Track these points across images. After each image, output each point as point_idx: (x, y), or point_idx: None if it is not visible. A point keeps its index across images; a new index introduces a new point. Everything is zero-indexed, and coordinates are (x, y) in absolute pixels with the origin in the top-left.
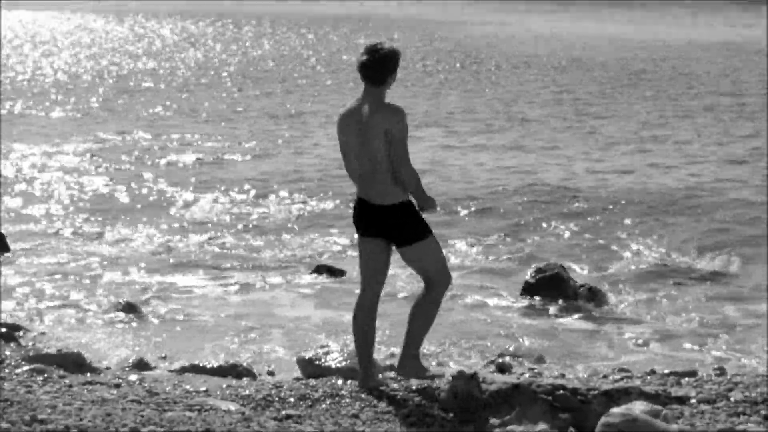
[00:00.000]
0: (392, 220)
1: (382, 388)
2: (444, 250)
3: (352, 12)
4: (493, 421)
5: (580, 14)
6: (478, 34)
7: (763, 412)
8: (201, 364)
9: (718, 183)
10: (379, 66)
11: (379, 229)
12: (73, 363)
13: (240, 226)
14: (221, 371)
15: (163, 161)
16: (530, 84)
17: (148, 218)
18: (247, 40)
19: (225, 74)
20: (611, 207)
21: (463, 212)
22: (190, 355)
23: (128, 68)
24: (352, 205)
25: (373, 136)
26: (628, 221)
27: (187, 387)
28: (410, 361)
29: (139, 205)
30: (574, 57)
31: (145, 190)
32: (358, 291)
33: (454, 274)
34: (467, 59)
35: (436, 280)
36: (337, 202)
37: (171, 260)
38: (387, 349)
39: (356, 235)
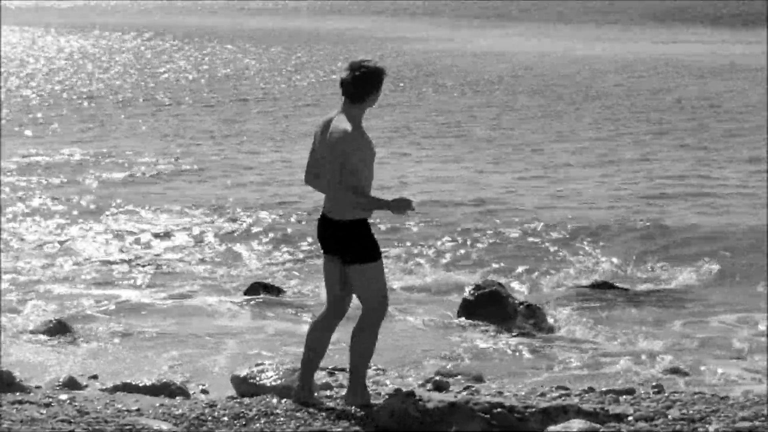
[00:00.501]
0: (344, 236)
1: (317, 406)
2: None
3: (276, 27)
4: None
5: (525, 31)
6: (422, 49)
7: (701, 430)
8: (133, 383)
9: (658, 200)
10: (358, 83)
11: (334, 246)
12: (2, 382)
13: (176, 243)
14: (154, 390)
15: (98, 176)
16: (474, 100)
17: (84, 233)
18: (181, 58)
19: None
20: (553, 225)
21: (404, 227)
22: (123, 374)
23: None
24: (299, 220)
25: (330, 152)
26: (568, 239)
27: (119, 406)
28: (356, 390)
29: (74, 220)
30: (518, 74)
31: (83, 203)
32: (292, 310)
33: (391, 293)
34: (414, 75)
35: (370, 306)
36: (277, 217)
37: (105, 277)
38: (326, 366)
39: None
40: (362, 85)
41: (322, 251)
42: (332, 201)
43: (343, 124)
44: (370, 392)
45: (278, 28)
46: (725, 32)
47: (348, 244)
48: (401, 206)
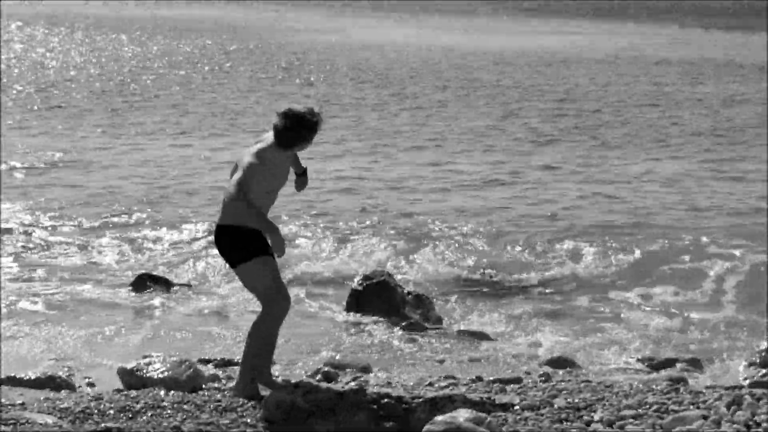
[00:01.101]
0: (221, 240)
1: (205, 398)
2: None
3: (145, 15)
4: (317, 430)
5: (410, 22)
6: (305, 40)
7: (586, 418)
8: (17, 376)
9: (553, 186)
10: (293, 134)
11: (221, 252)
12: None
13: (61, 236)
14: (39, 383)
15: None
16: (363, 92)
17: None
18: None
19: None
20: (443, 216)
21: (293, 218)
22: (6, 367)
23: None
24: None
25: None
26: (460, 230)
27: (3, 400)
28: (243, 382)
29: None
30: (413, 66)
31: None
32: (180, 302)
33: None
34: (295, 67)
35: (263, 302)
36: (168, 210)
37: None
38: (215, 358)
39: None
40: (293, 136)
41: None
42: (223, 207)
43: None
44: (275, 383)
45: (161, 16)
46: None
47: (225, 247)
48: (278, 244)
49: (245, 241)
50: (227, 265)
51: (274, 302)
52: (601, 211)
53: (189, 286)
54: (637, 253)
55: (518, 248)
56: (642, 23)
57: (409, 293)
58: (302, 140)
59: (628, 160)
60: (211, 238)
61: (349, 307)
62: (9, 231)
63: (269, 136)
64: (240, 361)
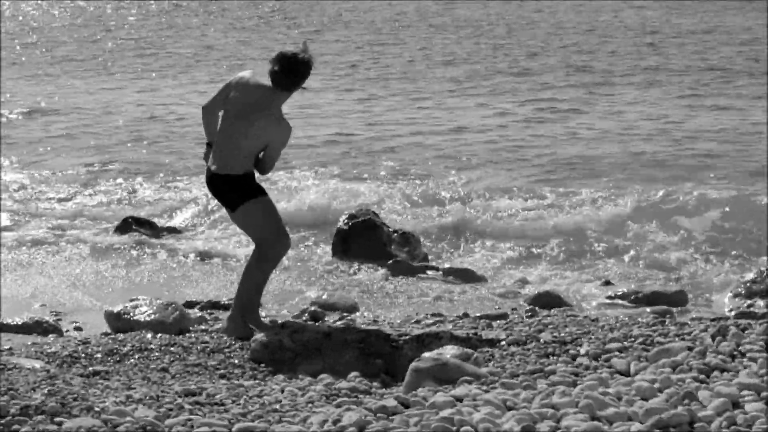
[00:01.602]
0: (223, 186)
1: (192, 340)
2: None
3: None
4: (304, 369)
5: None
6: None
7: (572, 352)
8: (4, 322)
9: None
10: (294, 75)
11: (219, 198)
12: None
13: (46, 180)
14: (26, 328)
15: None
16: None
17: None
18: None
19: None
20: (427, 157)
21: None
22: None
23: None
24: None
25: (252, 136)
26: (447, 169)
27: None
28: (235, 322)
29: None
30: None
31: None
32: (165, 244)
33: None
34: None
35: (264, 244)
36: (146, 154)
37: None
38: (201, 300)
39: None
40: (299, 77)
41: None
42: (225, 160)
43: (272, 109)
44: (263, 324)
45: None
46: None
47: (228, 191)
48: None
49: (244, 183)
50: (220, 208)
51: (276, 243)
52: (589, 148)
53: (175, 230)
54: (625, 194)
55: (505, 188)
56: None
57: (395, 232)
58: (301, 79)
59: (615, 97)
60: (200, 181)
61: (335, 247)
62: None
63: (253, 79)
64: (231, 302)
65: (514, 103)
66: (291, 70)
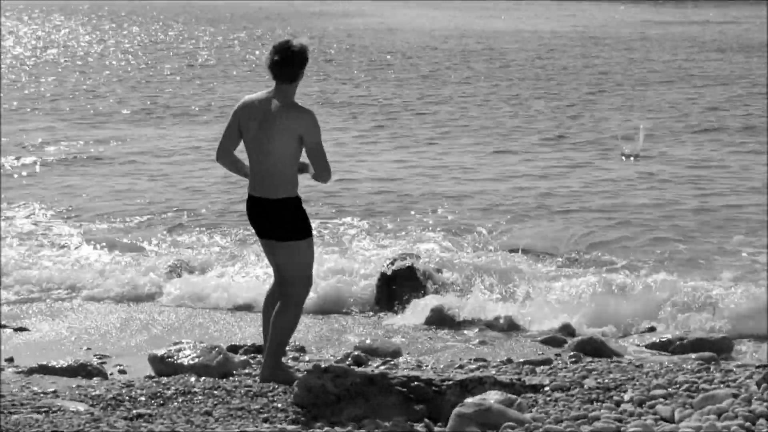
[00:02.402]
0: (277, 214)
1: (235, 384)
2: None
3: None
4: (347, 414)
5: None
6: (341, 26)
7: (616, 398)
8: (50, 365)
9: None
10: (290, 64)
11: (267, 225)
12: None
13: (86, 227)
14: (71, 371)
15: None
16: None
17: None
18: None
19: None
20: (469, 202)
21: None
22: (39, 356)
23: None
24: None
25: (279, 134)
26: (487, 214)
27: (35, 388)
28: (272, 368)
29: None
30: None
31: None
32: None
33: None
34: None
35: (297, 283)
36: (196, 202)
37: (22, 261)
38: (245, 344)
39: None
40: (293, 65)
41: (257, 234)
42: (262, 181)
43: (286, 104)
44: (290, 370)
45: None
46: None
47: (284, 222)
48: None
49: (304, 218)
50: (258, 238)
51: (308, 284)
52: (647, 197)
53: (218, 275)
54: (661, 235)
55: (546, 231)
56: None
57: (438, 270)
58: (301, 67)
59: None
60: (238, 215)
61: (379, 291)
62: (38, 223)
63: (272, 96)
64: (268, 345)
65: (553, 157)
66: (289, 58)
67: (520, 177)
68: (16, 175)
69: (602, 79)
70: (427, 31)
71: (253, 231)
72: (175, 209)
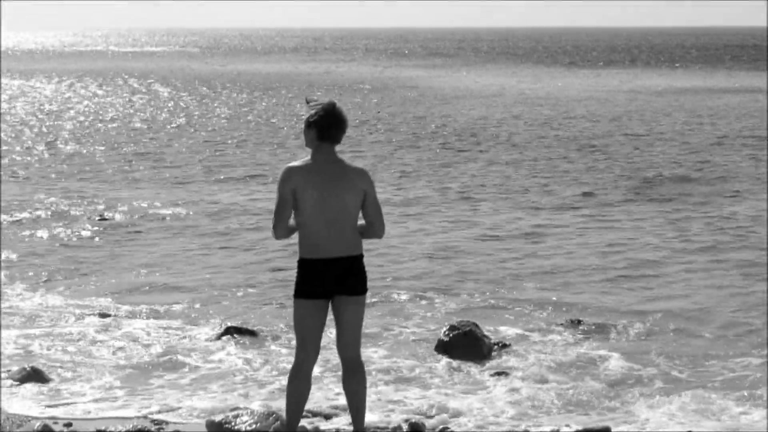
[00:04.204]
0: (355, 269)
1: None
2: None
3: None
4: None
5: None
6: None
7: None
8: (108, 429)
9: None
10: (342, 126)
11: (334, 283)
12: None
13: (141, 282)
14: None
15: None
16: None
17: (37, 271)
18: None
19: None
20: (528, 268)
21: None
22: (99, 420)
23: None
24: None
25: (348, 192)
26: (543, 279)
27: None
28: None
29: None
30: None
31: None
32: (267, 354)
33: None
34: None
35: (359, 341)
36: (251, 263)
37: (77, 319)
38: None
39: (294, 299)
40: (343, 128)
41: (303, 298)
42: (336, 240)
43: (342, 163)
44: None
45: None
46: None
47: (363, 275)
48: None
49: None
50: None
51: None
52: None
53: (275, 337)
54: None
55: (605, 294)
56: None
57: (495, 343)
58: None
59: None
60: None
61: (438, 356)
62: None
63: (323, 157)
64: (357, 418)
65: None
66: (341, 122)
67: None
68: None
69: None
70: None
71: (301, 294)
72: None
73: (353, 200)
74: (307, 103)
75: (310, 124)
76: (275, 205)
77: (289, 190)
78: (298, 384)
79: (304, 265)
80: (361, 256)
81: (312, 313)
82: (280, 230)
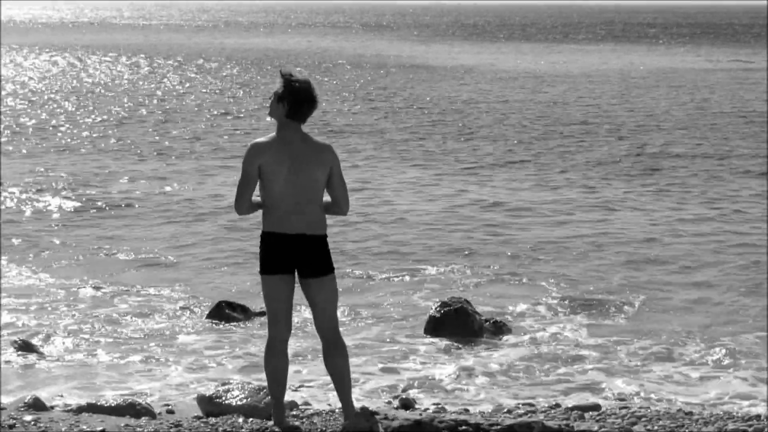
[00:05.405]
0: (321, 249)
1: (283, 426)
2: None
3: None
4: None
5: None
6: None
7: None
8: (98, 403)
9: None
10: (313, 106)
11: (298, 261)
12: None
13: (133, 260)
14: (119, 410)
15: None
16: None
17: (35, 255)
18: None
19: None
20: (519, 245)
21: (359, 243)
22: (89, 394)
23: None
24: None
25: (317, 167)
26: (526, 255)
27: (84, 427)
28: (362, 416)
29: (19, 241)
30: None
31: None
32: (258, 329)
33: (359, 310)
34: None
35: (336, 318)
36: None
37: (68, 296)
38: (292, 385)
39: (260, 276)
40: (313, 108)
41: (268, 274)
42: (300, 217)
43: (309, 141)
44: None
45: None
46: None
47: (325, 256)
48: None
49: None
50: (298, 276)
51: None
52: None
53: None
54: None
55: (600, 276)
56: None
57: (486, 320)
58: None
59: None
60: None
61: (427, 334)
62: (92, 260)
63: (289, 134)
64: (343, 393)
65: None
66: (313, 101)
67: None
68: None
69: None
70: None
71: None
72: None
73: (322, 176)
74: (282, 76)
75: (280, 98)
76: (239, 180)
77: (256, 166)
78: (276, 362)
79: (267, 238)
80: (325, 236)
81: (280, 287)
82: (243, 206)
